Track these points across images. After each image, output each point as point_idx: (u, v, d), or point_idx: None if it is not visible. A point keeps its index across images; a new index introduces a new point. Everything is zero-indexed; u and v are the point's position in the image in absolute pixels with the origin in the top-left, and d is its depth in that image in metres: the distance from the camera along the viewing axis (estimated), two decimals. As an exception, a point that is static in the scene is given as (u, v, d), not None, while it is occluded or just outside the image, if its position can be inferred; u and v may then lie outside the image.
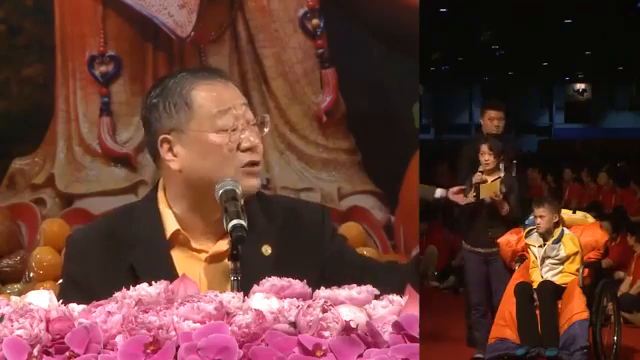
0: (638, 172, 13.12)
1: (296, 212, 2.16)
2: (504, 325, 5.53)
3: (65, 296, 2.01)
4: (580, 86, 33.22)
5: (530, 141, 28.44)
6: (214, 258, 2.03)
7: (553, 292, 5.56)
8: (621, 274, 8.20)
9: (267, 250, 2.05)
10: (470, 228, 6.20)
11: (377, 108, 5.00)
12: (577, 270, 5.62)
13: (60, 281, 4.46)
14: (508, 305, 5.57)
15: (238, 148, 2.01)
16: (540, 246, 5.70)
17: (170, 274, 1.90)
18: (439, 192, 5.99)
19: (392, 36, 5.02)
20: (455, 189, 5.99)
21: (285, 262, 1.78)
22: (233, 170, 2.01)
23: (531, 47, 21.17)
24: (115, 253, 2.04)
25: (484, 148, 6.12)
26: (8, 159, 5.06)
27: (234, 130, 2.01)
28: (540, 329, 5.49)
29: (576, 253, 5.66)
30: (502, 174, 6.15)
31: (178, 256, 2.05)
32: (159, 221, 2.07)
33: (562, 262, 5.66)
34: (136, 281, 1.71)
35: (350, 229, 4.82)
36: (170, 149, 2.03)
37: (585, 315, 5.43)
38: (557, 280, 5.64)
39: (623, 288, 7.89)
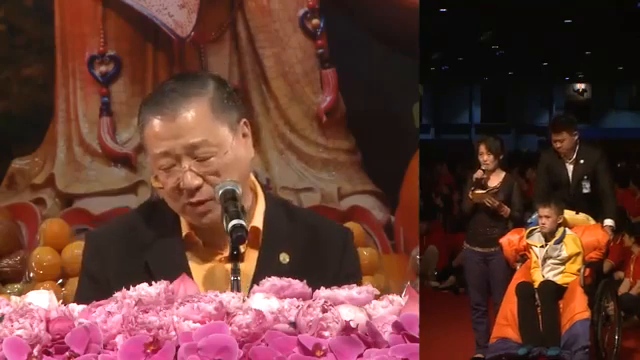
0: (638, 172, 13.11)
1: (320, 229, 2.16)
2: (506, 325, 5.53)
3: (82, 293, 2.03)
4: (580, 86, 33.21)
5: (530, 141, 28.45)
6: (229, 260, 2.01)
7: (554, 292, 5.56)
8: (621, 274, 8.20)
9: (285, 258, 2.05)
10: (470, 227, 6.19)
11: (377, 108, 5.00)
12: (578, 270, 5.62)
13: (60, 281, 4.47)
14: (510, 305, 5.57)
15: (178, 187, 1.98)
16: (542, 246, 5.70)
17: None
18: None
19: (392, 36, 5.02)
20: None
21: (300, 274, 1.76)
22: (179, 206, 2.01)
23: (531, 47, 21.16)
24: (132, 250, 2.05)
25: (482, 148, 6.09)
26: (8, 159, 5.06)
27: (169, 171, 1.98)
28: (542, 329, 5.49)
29: (578, 254, 5.65)
30: (503, 174, 6.14)
31: (193, 257, 2.05)
32: (176, 220, 2.07)
33: (563, 262, 5.66)
34: (151, 279, 1.71)
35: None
36: None
37: (587, 315, 5.43)
38: (558, 280, 5.64)
39: (622, 289, 7.89)
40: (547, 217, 5.68)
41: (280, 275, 1.73)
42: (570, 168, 6.05)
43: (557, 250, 5.66)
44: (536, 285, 5.63)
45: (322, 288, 1.69)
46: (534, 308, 5.55)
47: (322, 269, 2.04)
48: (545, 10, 15.48)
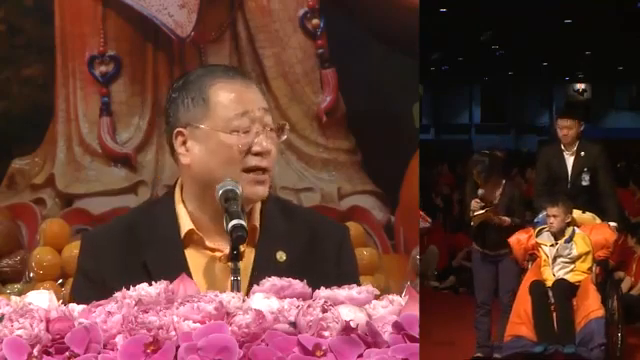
0: (638, 172, 13.10)
1: (317, 228, 2.16)
2: (520, 323, 5.56)
3: (78, 292, 2.03)
4: (580, 86, 33.19)
5: (530, 141, 28.42)
6: (228, 259, 2.00)
7: (569, 290, 5.60)
8: (621, 274, 8.21)
9: (282, 257, 2.05)
10: (478, 230, 6.18)
11: (377, 108, 5.01)
12: (588, 269, 5.67)
13: (60, 281, 4.48)
14: (523, 303, 5.60)
15: (249, 151, 2.01)
16: (552, 245, 5.73)
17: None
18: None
19: (392, 36, 5.02)
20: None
21: (297, 272, 1.77)
22: (238, 172, 2.01)
23: (531, 47, 21.15)
24: (130, 250, 2.05)
25: (474, 172, 6.11)
26: (8, 159, 5.07)
27: (247, 132, 2.01)
28: (556, 326, 5.53)
29: (588, 252, 5.70)
30: (502, 183, 6.14)
31: (193, 255, 2.05)
32: (174, 219, 2.07)
33: (574, 261, 5.70)
34: (149, 279, 1.71)
35: (350, 229, 4.80)
36: (183, 143, 2.04)
37: (601, 312, 5.48)
38: (569, 278, 5.68)
39: (623, 288, 7.91)
40: (555, 216, 5.71)
41: (277, 273, 1.74)
42: (570, 160, 6.07)
43: (567, 249, 5.70)
44: (548, 283, 5.67)
45: (322, 288, 1.69)
46: (548, 306, 5.58)
47: (319, 267, 2.05)
48: (545, 10, 15.48)
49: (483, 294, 6.19)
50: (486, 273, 6.17)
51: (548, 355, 5.47)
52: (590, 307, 5.49)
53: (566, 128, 6.04)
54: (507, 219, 6.01)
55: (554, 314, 5.57)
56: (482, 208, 6.01)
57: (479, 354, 6.14)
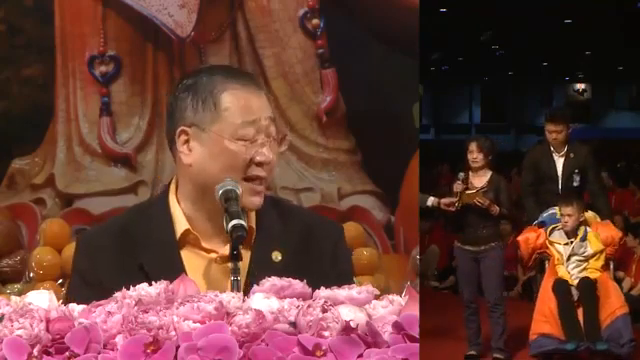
0: (638, 172, 13.10)
1: (312, 227, 2.15)
2: (544, 321, 5.63)
3: (74, 293, 2.02)
4: (580, 86, 33.17)
5: (530, 141, 28.41)
6: (225, 259, 2.00)
7: (594, 288, 5.65)
8: (620, 274, 8.21)
9: (277, 257, 2.05)
10: (461, 227, 6.19)
11: (377, 108, 5.01)
12: (602, 267, 5.75)
13: (60, 281, 4.48)
14: (547, 302, 5.67)
15: (251, 161, 2.00)
16: (566, 244, 5.78)
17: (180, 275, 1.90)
18: (431, 201, 5.97)
19: (392, 36, 5.03)
20: (446, 201, 5.98)
21: (293, 272, 1.77)
22: (238, 180, 2.00)
23: (531, 47, 21.15)
24: (126, 252, 2.04)
25: (472, 146, 6.11)
26: (8, 159, 5.07)
27: (253, 142, 2.01)
28: (583, 324, 5.57)
29: (602, 251, 5.77)
30: (490, 173, 6.14)
31: (188, 256, 2.04)
32: (169, 220, 2.06)
33: (588, 259, 5.77)
34: (146, 280, 1.71)
35: (350, 229, 4.81)
36: (186, 142, 2.03)
37: (625, 309, 5.60)
38: (583, 276, 5.74)
39: (623, 288, 7.91)
40: (570, 215, 5.77)
41: (272, 273, 1.74)
42: (560, 161, 6.13)
43: (583, 247, 5.78)
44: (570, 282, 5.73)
45: (322, 288, 1.69)
46: (573, 304, 5.64)
47: (315, 267, 2.04)
48: (545, 10, 15.48)
49: (467, 292, 6.20)
50: (469, 271, 6.17)
51: (579, 352, 5.54)
52: (615, 304, 5.62)
53: (555, 132, 6.11)
54: (496, 207, 5.98)
55: (578, 311, 5.64)
56: (465, 189, 6.01)
57: (472, 352, 6.16)
